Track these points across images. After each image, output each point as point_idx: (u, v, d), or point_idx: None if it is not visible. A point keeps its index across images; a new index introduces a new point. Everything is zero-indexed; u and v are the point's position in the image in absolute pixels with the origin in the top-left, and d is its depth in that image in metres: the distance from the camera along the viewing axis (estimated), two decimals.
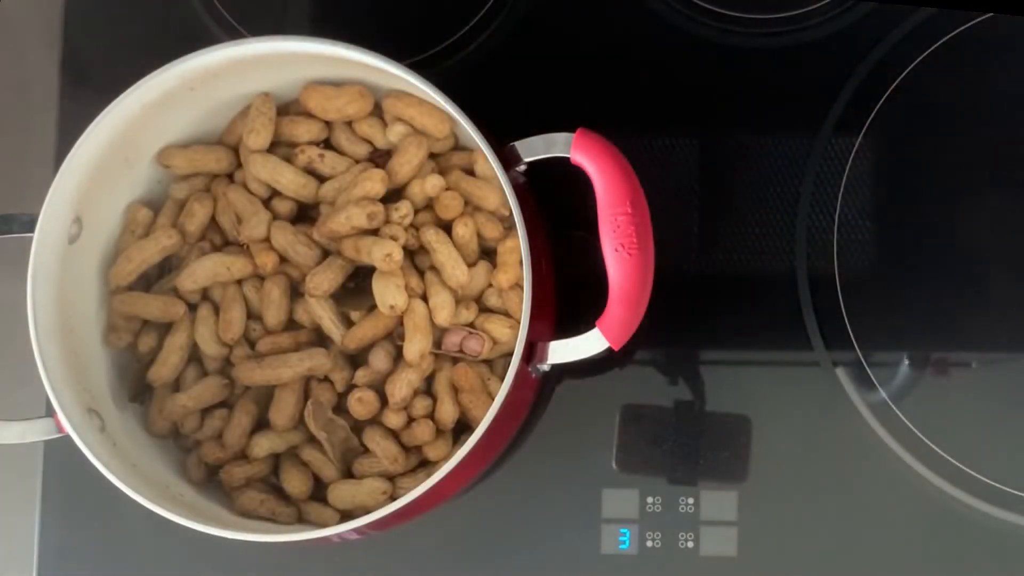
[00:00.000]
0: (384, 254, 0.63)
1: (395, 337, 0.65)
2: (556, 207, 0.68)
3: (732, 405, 0.70)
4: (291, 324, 0.67)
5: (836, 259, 0.70)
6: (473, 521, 0.71)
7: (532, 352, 0.61)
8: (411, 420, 0.65)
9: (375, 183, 0.65)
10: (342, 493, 0.65)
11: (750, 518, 0.69)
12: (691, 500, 0.69)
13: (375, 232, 0.65)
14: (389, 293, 0.63)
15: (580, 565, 0.69)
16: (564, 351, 0.62)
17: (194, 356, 0.68)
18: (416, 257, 0.66)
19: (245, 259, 0.67)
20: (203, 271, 0.66)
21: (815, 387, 0.70)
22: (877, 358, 0.69)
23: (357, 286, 0.67)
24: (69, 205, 0.65)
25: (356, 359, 0.67)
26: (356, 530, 0.60)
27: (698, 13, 0.73)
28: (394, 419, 0.65)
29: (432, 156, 0.67)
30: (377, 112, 0.68)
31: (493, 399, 0.61)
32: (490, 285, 0.66)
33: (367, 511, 0.60)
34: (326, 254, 0.67)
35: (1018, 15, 0.71)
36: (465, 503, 0.71)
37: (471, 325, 0.65)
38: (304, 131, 0.68)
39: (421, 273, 0.66)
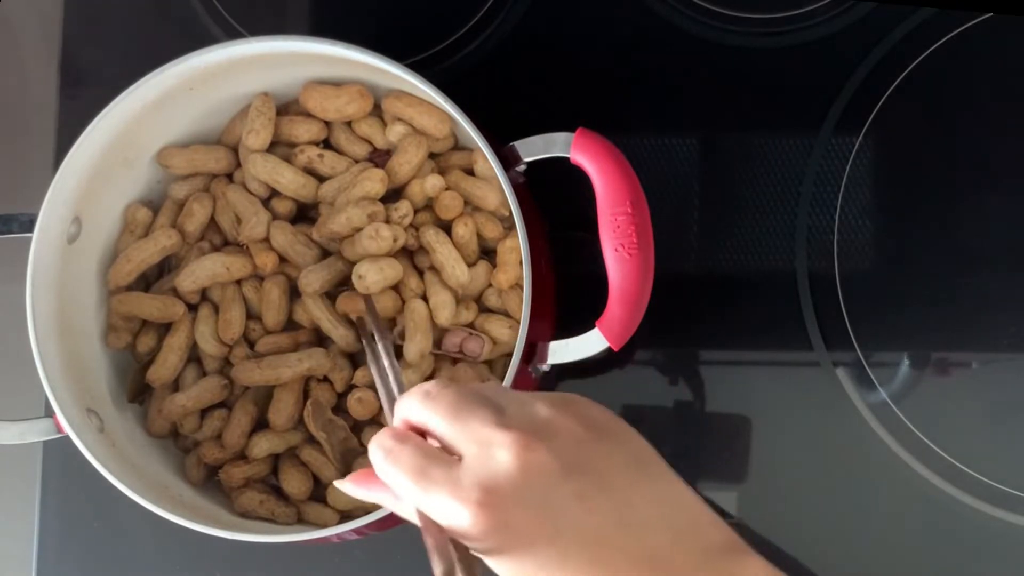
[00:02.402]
0: (370, 236, 0.63)
1: (395, 337, 0.65)
2: (556, 207, 0.68)
3: (732, 405, 0.70)
4: (291, 324, 0.67)
5: (836, 259, 0.70)
6: None
7: (532, 352, 0.61)
8: None
9: (375, 183, 0.65)
10: (342, 493, 0.65)
11: (750, 518, 0.69)
12: None
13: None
14: (364, 267, 0.63)
15: None
16: (564, 351, 0.61)
17: (193, 356, 0.68)
18: (416, 257, 0.66)
19: (244, 259, 0.67)
20: (202, 271, 0.66)
21: (815, 387, 0.70)
22: (877, 358, 0.69)
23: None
24: (68, 205, 0.65)
25: (356, 359, 0.67)
26: (356, 530, 0.60)
27: (699, 13, 0.73)
28: None
29: (432, 156, 0.67)
30: (377, 112, 0.68)
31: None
32: (490, 285, 0.66)
33: (367, 511, 0.60)
34: (326, 254, 0.67)
35: (1018, 15, 0.71)
36: None
37: (471, 325, 0.65)
38: (304, 131, 0.68)
39: (421, 273, 0.66)
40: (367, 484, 0.47)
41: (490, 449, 0.42)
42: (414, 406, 0.45)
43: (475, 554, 0.43)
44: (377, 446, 0.45)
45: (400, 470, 0.43)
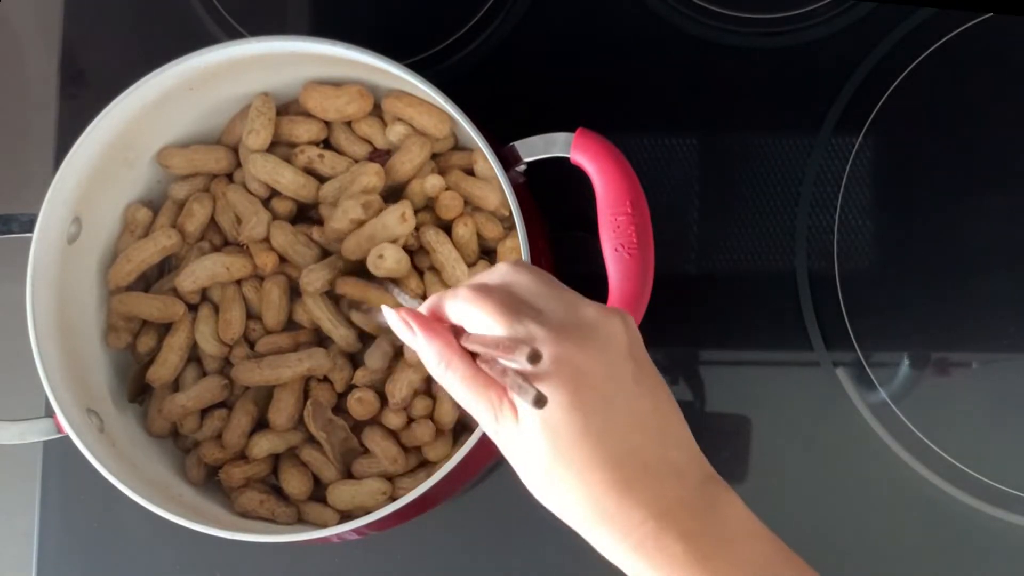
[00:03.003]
0: (399, 218, 0.63)
1: (394, 337, 0.65)
2: (556, 207, 0.68)
3: (732, 405, 0.70)
4: (291, 324, 0.67)
5: (836, 259, 0.70)
6: (473, 521, 0.71)
7: None
8: (411, 420, 0.65)
9: (370, 177, 0.65)
10: (342, 493, 0.65)
11: None
12: None
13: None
14: (389, 249, 0.63)
15: (581, 565, 0.69)
16: None
17: (193, 356, 0.68)
18: (416, 257, 0.66)
19: (245, 259, 0.67)
20: (203, 271, 0.66)
21: (815, 387, 0.70)
22: (877, 358, 0.69)
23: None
24: (68, 205, 0.65)
25: (355, 359, 0.67)
26: (356, 530, 0.60)
27: (698, 13, 0.73)
28: (394, 419, 0.65)
29: (432, 156, 0.67)
30: (377, 112, 0.68)
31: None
32: None
33: (367, 511, 0.60)
34: (326, 254, 0.67)
35: (1018, 15, 0.71)
36: (465, 503, 0.71)
37: None
38: (304, 131, 0.68)
39: (421, 273, 0.66)
40: (421, 323, 0.47)
41: (577, 308, 0.46)
42: (504, 268, 0.48)
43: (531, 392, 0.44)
44: (466, 285, 0.47)
45: (490, 301, 0.45)
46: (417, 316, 0.48)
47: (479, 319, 0.46)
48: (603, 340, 0.45)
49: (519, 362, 0.43)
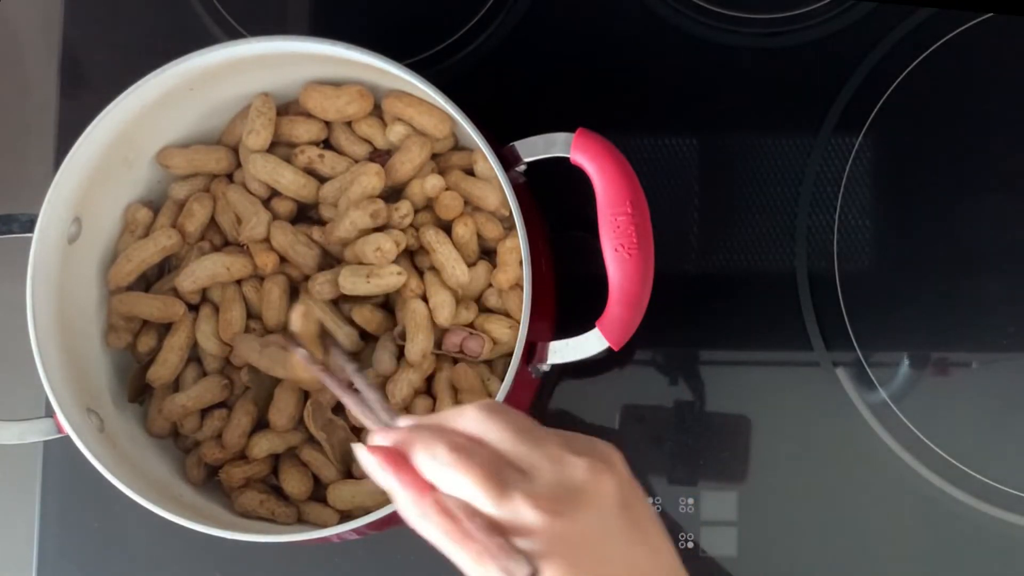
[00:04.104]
0: (374, 249, 0.63)
1: (396, 337, 0.65)
2: (556, 207, 0.68)
3: (732, 405, 0.70)
4: None
5: (836, 259, 0.70)
6: None
7: (532, 352, 0.61)
8: None
9: (371, 177, 0.65)
10: (342, 493, 0.65)
11: (750, 518, 0.69)
12: (691, 500, 0.69)
13: (380, 230, 0.65)
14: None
15: None
16: (564, 351, 0.61)
17: (194, 356, 0.68)
18: (416, 257, 0.66)
19: (245, 259, 0.67)
20: (203, 271, 0.66)
21: (815, 387, 0.70)
22: (877, 358, 0.69)
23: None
24: (69, 205, 0.65)
25: (356, 359, 0.67)
26: (356, 530, 0.60)
27: (699, 13, 0.73)
28: None
29: (432, 156, 0.67)
30: (377, 112, 0.68)
31: (493, 399, 0.61)
32: (490, 285, 0.66)
33: (367, 511, 0.60)
34: (326, 254, 0.67)
35: (1018, 15, 0.71)
36: None
37: (471, 325, 0.65)
38: (304, 131, 0.68)
39: (421, 273, 0.66)
40: (397, 469, 0.45)
41: (565, 466, 0.45)
42: (478, 418, 0.46)
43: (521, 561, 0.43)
44: (445, 443, 0.44)
45: (474, 467, 0.44)
46: (392, 459, 0.45)
47: (461, 484, 0.44)
48: (596, 502, 0.44)
49: (514, 567, 0.43)
